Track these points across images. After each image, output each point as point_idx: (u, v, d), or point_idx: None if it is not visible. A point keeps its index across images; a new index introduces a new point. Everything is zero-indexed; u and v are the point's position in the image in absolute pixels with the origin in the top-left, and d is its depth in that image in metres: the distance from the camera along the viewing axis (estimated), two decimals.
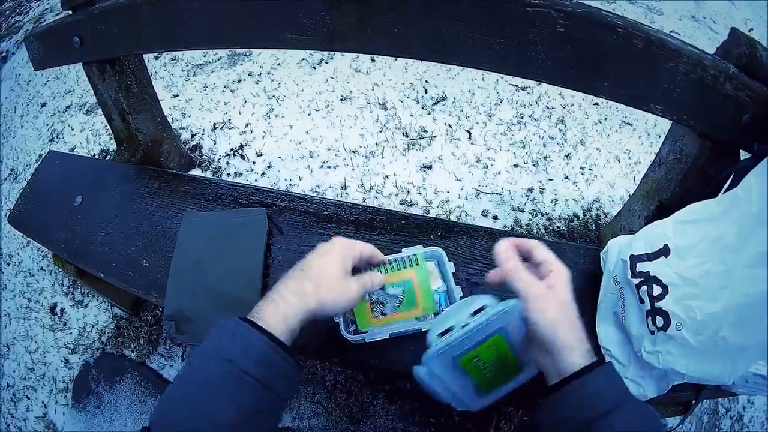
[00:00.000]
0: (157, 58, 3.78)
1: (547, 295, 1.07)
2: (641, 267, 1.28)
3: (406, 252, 1.44)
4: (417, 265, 1.40)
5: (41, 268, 3.01)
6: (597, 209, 2.53)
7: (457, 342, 1.17)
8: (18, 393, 2.67)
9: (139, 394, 2.42)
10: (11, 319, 2.91)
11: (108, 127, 2.31)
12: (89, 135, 3.46)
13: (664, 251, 1.25)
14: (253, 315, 1.06)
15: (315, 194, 2.65)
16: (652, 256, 1.27)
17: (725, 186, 1.35)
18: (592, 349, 1.06)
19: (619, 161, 2.73)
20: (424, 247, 1.48)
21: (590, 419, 0.94)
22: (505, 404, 1.38)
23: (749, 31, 3.66)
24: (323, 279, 1.14)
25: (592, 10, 1.18)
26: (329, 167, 2.82)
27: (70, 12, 1.88)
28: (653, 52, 1.20)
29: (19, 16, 5.30)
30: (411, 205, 2.60)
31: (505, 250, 1.14)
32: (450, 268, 1.45)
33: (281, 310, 1.06)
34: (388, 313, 1.38)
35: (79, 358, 2.64)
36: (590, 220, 2.49)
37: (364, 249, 1.27)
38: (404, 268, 1.40)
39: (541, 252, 1.17)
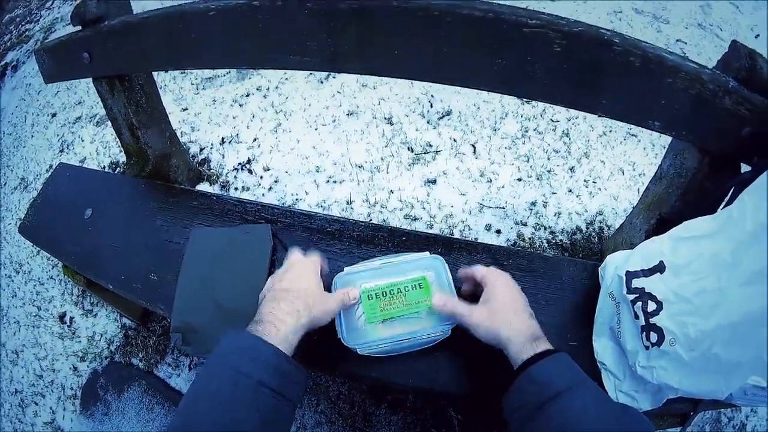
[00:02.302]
0: (166, 72, 3.79)
1: (480, 311, 1.29)
2: (637, 283, 1.30)
3: (408, 259, 1.51)
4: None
5: (51, 277, 3.04)
6: (600, 222, 2.53)
7: (361, 271, 1.43)
8: (26, 399, 2.70)
9: (147, 402, 2.44)
10: (21, 326, 2.94)
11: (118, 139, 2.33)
12: (99, 147, 3.48)
13: (660, 268, 1.27)
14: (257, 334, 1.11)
15: (320, 209, 2.68)
16: (647, 273, 1.29)
17: (726, 199, 1.37)
18: (541, 337, 1.20)
19: (623, 173, 2.73)
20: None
21: (541, 402, 1.03)
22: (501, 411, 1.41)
23: (756, 37, 3.68)
24: (309, 297, 1.25)
25: (589, 29, 1.19)
26: (335, 182, 2.83)
27: (80, 27, 1.90)
28: (651, 69, 1.20)
29: (29, 24, 5.34)
30: (415, 219, 2.61)
31: (437, 301, 1.36)
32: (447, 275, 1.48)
33: (282, 333, 1.13)
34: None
35: (88, 366, 2.67)
36: (593, 233, 2.49)
37: (320, 260, 1.42)
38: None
39: (478, 271, 1.39)
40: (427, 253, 1.52)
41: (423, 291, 1.43)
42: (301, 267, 1.33)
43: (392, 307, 1.41)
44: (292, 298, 1.21)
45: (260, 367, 1.03)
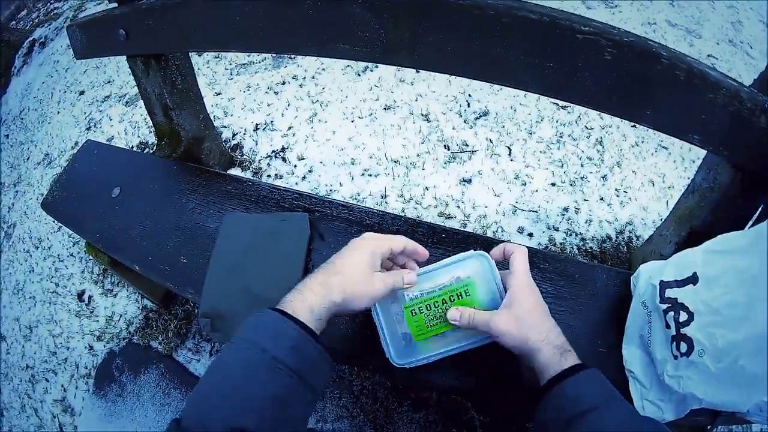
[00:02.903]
0: (200, 55, 3.84)
1: (504, 318, 1.19)
2: (670, 293, 1.29)
3: (449, 262, 1.36)
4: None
5: (71, 255, 3.07)
6: (629, 232, 2.52)
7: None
8: (37, 375, 2.74)
9: (164, 386, 2.45)
10: (36, 302, 2.98)
11: (148, 119, 2.33)
12: (128, 126, 3.51)
13: (693, 279, 1.26)
14: (280, 305, 1.09)
15: (355, 202, 2.66)
16: (681, 283, 1.28)
17: (754, 217, 1.39)
18: (569, 349, 1.16)
19: (653, 185, 2.72)
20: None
21: (570, 418, 1.00)
22: (528, 419, 1.39)
23: None
24: (349, 273, 1.16)
25: (639, 39, 1.19)
26: (370, 175, 2.84)
27: (116, 4, 1.90)
28: (695, 84, 1.20)
29: (58, 2, 5.37)
30: (449, 218, 2.61)
31: (452, 314, 1.28)
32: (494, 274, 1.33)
33: (308, 302, 1.09)
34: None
35: (104, 346, 2.69)
36: (622, 243, 2.49)
37: (397, 244, 1.27)
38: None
39: (508, 250, 1.32)
40: (472, 251, 1.37)
41: (469, 299, 1.32)
42: (358, 245, 1.23)
43: (437, 320, 1.32)
44: (331, 273, 1.16)
45: (279, 344, 1.00)
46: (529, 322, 1.18)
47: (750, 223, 1.40)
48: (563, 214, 2.61)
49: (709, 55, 3.49)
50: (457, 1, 1.25)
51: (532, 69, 1.30)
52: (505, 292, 1.27)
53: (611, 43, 1.19)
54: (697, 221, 1.57)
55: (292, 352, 1.00)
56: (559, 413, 1.04)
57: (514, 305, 1.21)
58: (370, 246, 1.22)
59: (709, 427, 1.45)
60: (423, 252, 1.32)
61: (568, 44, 1.22)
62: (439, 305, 1.32)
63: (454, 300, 1.32)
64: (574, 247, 2.48)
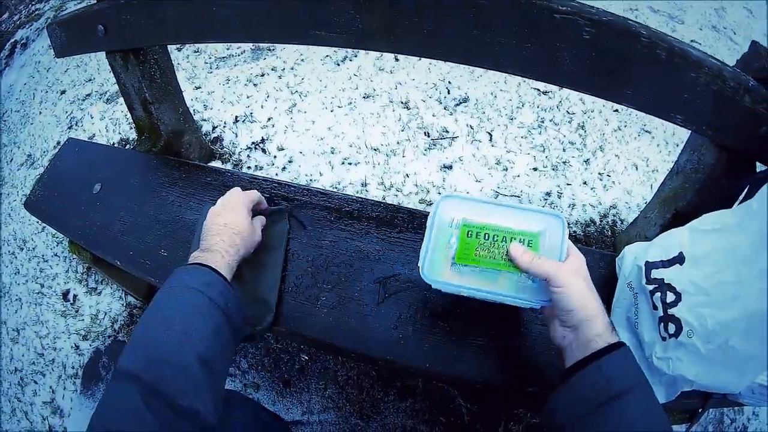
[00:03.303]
0: (179, 50, 3.81)
1: (570, 272, 1.13)
2: (656, 274, 1.29)
3: (527, 208, 1.30)
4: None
5: (55, 254, 3.05)
6: (613, 216, 2.53)
7: (470, 199, 1.31)
8: (26, 377, 2.72)
9: None
10: (22, 303, 2.96)
11: (128, 116, 2.33)
12: (109, 123, 3.49)
13: (679, 259, 1.26)
14: (202, 260, 1.31)
15: (335, 190, 2.66)
16: (667, 264, 1.28)
17: (740, 197, 1.38)
18: (613, 327, 1.08)
19: (636, 168, 2.73)
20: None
21: (603, 401, 0.97)
22: (515, 406, 1.39)
23: None
24: (244, 232, 1.47)
25: (618, 18, 1.18)
26: (350, 164, 2.83)
27: (95, 0, 1.89)
28: (676, 63, 1.20)
29: (39, 3, 5.34)
30: (430, 204, 2.61)
31: (515, 248, 1.21)
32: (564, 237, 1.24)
33: (225, 261, 1.35)
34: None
35: (90, 345, 2.68)
36: (606, 226, 2.49)
37: (254, 197, 1.60)
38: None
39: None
40: (552, 209, 1.35)
41: (531, 248, 1.23)
42: (235, 205, 1.52)
43: (489, 254, 1.25)
44: (231, 234, 1.43)
45: (210, 288, 1.22)
46: (588, 284, 1.14)
47: (737, 203, 1.39)
48: (546, 199, 2.60)
49: (692, 41, 3.47)
50: None
51: (511, 50, 1.29)
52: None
53: (589, 22, 1.18)
54: (681, 202, 1.56)
55: (220, 296, 1.22)
56: (591, 392, 1.00)
57: (580, 269, 1.17)
58: (245, 204, 1.55)
59: (700, 410, 1.45)
60: (262, 200, 1.67)
61: (546, 24, 1.21)
62: (498, 240, 1.26)
63: (514, 241, 1.24)
64: None
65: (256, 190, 1.62)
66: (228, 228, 1.44)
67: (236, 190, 1.59)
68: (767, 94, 1.22)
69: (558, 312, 1.14)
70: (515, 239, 1.24)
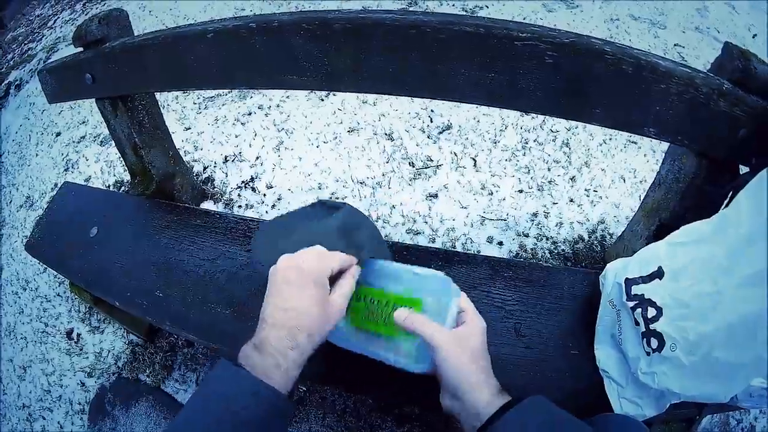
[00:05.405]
0: (168, 92, 3.83)
1: (454, 343, 1.11)
2: (636, 290, 1.30)
3: (419, 272, 1.27)
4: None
5: (58, 294, 3.07)
6: (602, 230, 2.54)
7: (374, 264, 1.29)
8: (34, 413, 2.74)
9: (155, 417, 2.47)
10: (28, 342, 2.98)
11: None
12: (104, 166, 3.51)
13: (658, 273, 1.28)
14: (252, 367, 1.02)
15: None
16: (646, 279, 1.30)
17: (725, 203, 1.37)
18: (503, 391, 1.09)
19: (624, 180, 2.74)
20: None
21: None
22: None
23: (753, 37, 3.72)
24: (311, 327, 1.08)
25: (580, 38, 1.20)
26: (337, 198, 2.83)
27: (82, 49, 1.94)
28: (644, 76, 1.22)
29: (32, 43, 5.40)
30: (417, 233, 2.62)
31: (399, 314, 1.20)
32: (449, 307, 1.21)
33: (283, 368, 1.03)
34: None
35: (95, 382, 2.70)
36: (595, 242, 2.50)
37: (334, 264, 1.17)
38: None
39: (463, 301, 1.23)
40: (443, 273, 1.26)
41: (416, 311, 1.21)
42: (300, 282, 1.09)
43: (375, 318, 1.28)
44: (293, 328, 1.05)
45: (259, 411, 0.95)
46: (473, 355, 1.12)
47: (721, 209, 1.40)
48: (533, 220, 2.62)
49: (675, 44, 3.53)
50: (393, 23, 1.27)
51: (475, 81, 1.31)
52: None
53: (551, 45, 1.20)
54: (665, 214, 1.58)
55: (264, 418, 0.97)
56: None
57: (468, 338, 1.14)
58: (314, 278, 1.11)
59: (697, 417, 1.47)
60: (352, 262, 1.24)
61: (507, 53, 1.23)
62: (382, 304, 1.28)
63: (397, 308, 1.23)
64: (546, 251, 2.50)
65: (341, 254, 1.20)
66: (289, 317, 1.06)
67: (312, 252, 1.16)
68: (744, 96, 1.23)
69: (442, 380, 1.14)
70: (400, 305, 1.25)
